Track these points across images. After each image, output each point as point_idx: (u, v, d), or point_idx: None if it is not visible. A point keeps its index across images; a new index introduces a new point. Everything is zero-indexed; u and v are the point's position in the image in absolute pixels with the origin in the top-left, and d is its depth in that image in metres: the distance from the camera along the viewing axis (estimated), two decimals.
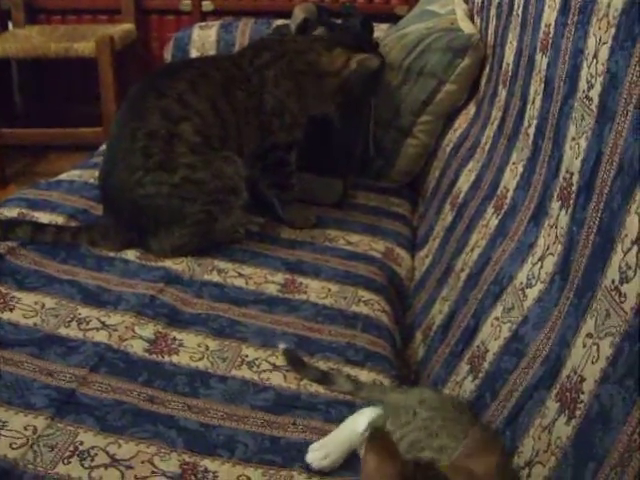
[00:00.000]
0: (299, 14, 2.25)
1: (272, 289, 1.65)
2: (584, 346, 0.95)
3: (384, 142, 2.29)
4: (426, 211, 2.08)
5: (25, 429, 1.19)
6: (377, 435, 0.81)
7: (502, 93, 1.74)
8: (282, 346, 1.41)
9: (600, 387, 0.88)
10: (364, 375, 1.40)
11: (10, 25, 4.21)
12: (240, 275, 1.69)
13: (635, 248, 0.87)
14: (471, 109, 2.10)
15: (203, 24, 3.15)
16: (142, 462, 1.16)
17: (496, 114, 1.76)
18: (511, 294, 1.26)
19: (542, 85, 1.38)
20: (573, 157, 1.14)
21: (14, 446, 1.16)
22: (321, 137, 2.03)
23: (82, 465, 1.14)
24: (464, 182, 1.81)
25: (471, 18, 2.39)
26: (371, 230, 1.99)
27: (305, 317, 1.56)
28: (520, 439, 1.03)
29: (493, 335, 1.26)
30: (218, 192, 1.75)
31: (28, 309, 1.49)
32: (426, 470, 0.82)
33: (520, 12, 1.65)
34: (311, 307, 1.60)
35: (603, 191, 0.99)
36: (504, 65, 1.76)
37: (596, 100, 1.07)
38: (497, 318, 1.27)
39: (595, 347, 0.91)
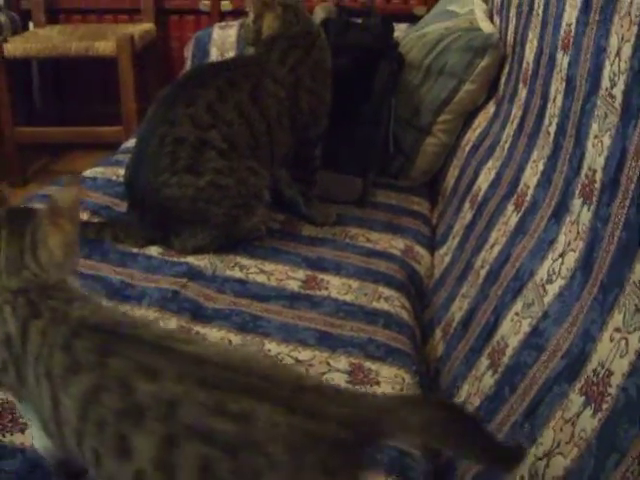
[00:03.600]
0: (319, 13, 2.26)
1: (293, 285, 1.67)
2: (611, 340, 0.95)
3: (404, 141, 2.30)
4: (445, 209, 2.09)
5: None
6: None
7: (522, 92, 1.75)
8: None
9: (628, 380, 0.89)
10: (385, 370, 1.41)
11: (31, 25, 4.25)
12: (262, 271, 1.71)
13: None
14: (490, 108, 2.11)
15: (223, 24, 3.17)
16: None
17: (516, 112, 1.77)
18: (531, 290, 1.27)
19: (563, 83, 1.39)
20: (596, 154, 1.15)
21: None
22: (341, 135, 2.05)
23: None
24: (484, 180, 1.82)
25: (490, 18, 2.40)
26: (391, 228, 2.00)
27: (326, 313, 1.57)
28: (539, 431, 1.04)
29: (513, 330, 1.27)
30: (242, 197, 1.78)
31: None
32: None
33: (541, 11, 1.66)
34: (332, 303, 1.61)
35: (629, 187, 1.00)
36: (524, 64, 1.77)
37: (619, 98, 1.08)
38: (517, 313, 1.28)
39: (624, 341, 0.92)
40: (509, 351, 1.25)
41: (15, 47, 3.68)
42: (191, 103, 1.76)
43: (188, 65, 2.97)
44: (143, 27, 3.96)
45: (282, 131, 1.86)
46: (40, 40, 3.82)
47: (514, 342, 1.24)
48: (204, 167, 1.73)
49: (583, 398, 0.97)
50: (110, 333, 0.94)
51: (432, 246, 2.02)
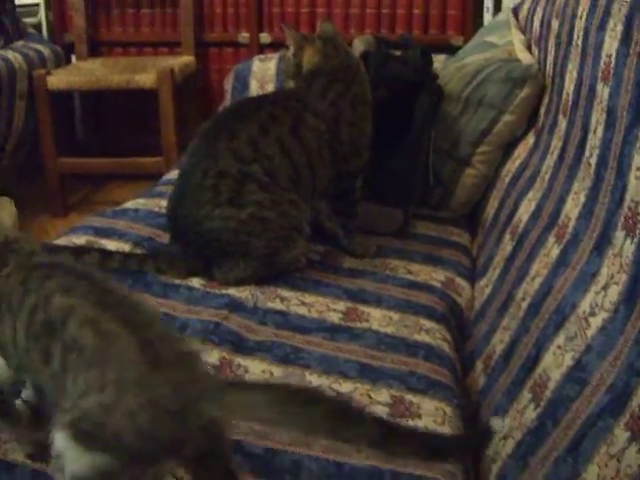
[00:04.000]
0: (358, 46, 2.28)
1: (334, 317, 1.67)
2: None
3: (443, 172, 2.31)
4: (485, 241, 2.08)
5: None
6: None
7: (562, 123, 1.74)
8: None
9: None
10: (426, 403, 1.41)
11: (73, 58, 4.32)
12: (303, 303, 1.72)
13: None
14: (530, 139, 2.11)
15: (262, 56, 3.20)
16: None
17: (556, 144, 1.76)
18: (574, 323, 1.26)
19: (604, 115, 1.39)
20: (638, 186, 1.14)
21: None
22: (381, 167, 2.06)
23: None
24: (524, 212, 1.81)
25: (529, 48, 2.41)
26: (431, 260, 2.01)
27: (367, 345, 1.57)
28: (583, 466, 1.03)
29: (555, 363, 1.26)
30: (283, 229, 1.80)
31: None
32: None
33: (580, 42, 1.66)
34: (373, 335, 1.61)
35: None
36: (564, 95, 1.77)
37: None
38: (559, 347, 1.28)
39: None
40: (552, 384, 1.24)
41: (59, 80, 3.75)
42: (233, 137, 1.79)
43: (228, 98, 3.00)
44: (183, 60, 4.01)
45: (323, 164, 1.87)
46: (83, 73, 3.88)
47: (557, 375, 1.24)
48: (246, 200, 1.75)
49: (628, 433, 0.96)
50: (56, 265, 1.17)
51: (472, 278, 2.01)
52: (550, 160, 1.78)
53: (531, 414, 1.26)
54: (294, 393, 0.99)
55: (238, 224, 1.75)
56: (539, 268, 1.54)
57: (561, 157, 1.69)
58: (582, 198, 1.45)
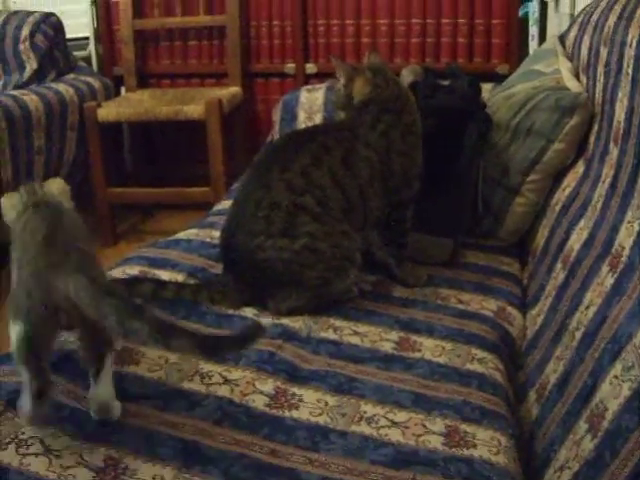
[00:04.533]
0: (407, 77, 2.30)
1: (387, 347, 1.68)
2: None
3: (493, 201, 2.31)
4: (536, 270, 2.07)
5: (153, 478, 1.24)
6: None
7: (614, 151, 1.74)
8: None
9: None
10: (481, 433, 1.40)
11: (123, 90, 4.40)
12: (355, 333, 1.72)
13: None
14: (580, 167, 2.10)
15: (310, 87, 3.23)
16: None
17: (607, 172, 1.76)
18: (631, 353, 1.25)
19: None
20: None
21: None
22: (431, 197, 2.06)
23: None
24: (576, 240, 1.80)
25: (576, 76, 2.40)
26: (482, 289, 2.01)
27: (421, 375, 1.58)
28: None
29: (612, 394, 1.25)
30: (335, 260, 1.81)
31: (152, 363, 1.56)
32: None
33: (630, 70, 1.66)
34: (426, 365, 1.62)
35: None
36: (615, 123, 1.77)
37: None
38: (616, 377, 1.27)
39: None
40: (609, 415, 1.23)
41: (108, 112, 3.82)
42: (286, 168, 1.81)
43: (276, 128, 3.03)
44: (230, 90, 4.06)
45: (375, 195, 1.89)
46: (132, 105, 3.95)
47: (614, 406, 1.23)
48: (298, 231, 1.77)
49: None
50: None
51: (523, 306, 2.01)
52: (602, 189, 1.78)
53: (588, 445, 1.26)
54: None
55: (291, 255, 1.77)
56: (593, 297, 1.53)
57: (613, 185, 1.68)
58: (636, 227, 1.45)
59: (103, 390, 1.36)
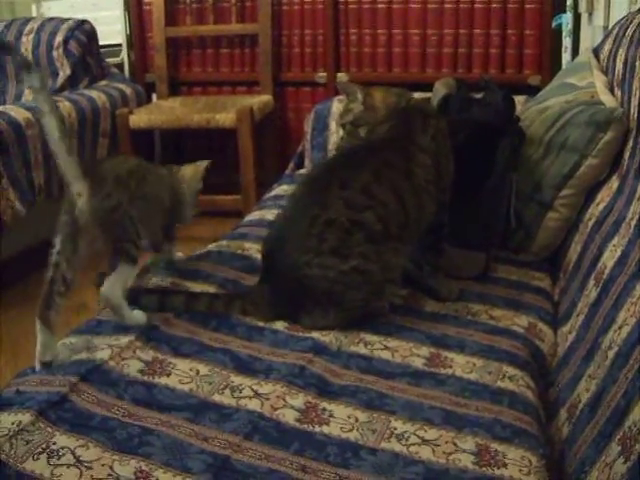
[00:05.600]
0: (440, 90, 2.29)
1: (418, 362, 1.67)
2: None
3: (525, 215, 2.30)
4: (568, 286, 2.06)
5: None
6: None
7: None
8: None
9: None
10: (512, 452, 1.39)
11: (154, 97, 4.42)
12: (386, 348, 1.72)
13: None
14: (614, 183, 2.09)
15: (342, 97, 3.23)
16: None
17: None
18: None
19: None
20: None
21: None
22: (464, 211, 2.06)
23: None
24: (609, 258, 1.79)
25: (611, 90, 2.39)
26: (513, 304, 1.99)
27: (451, 392, 1.57)
28: None
29: None
30: (382, 284, 1.81)
31: (184, 375, 1.56)
32: None
33: None
34: (457, 382, 1.61)
35: None
36: None
37: None
38: None
39: None
40: None
41: (140, 118, 3.85)
42: (346, 186, 1.80)
43: (308, 138, 3.03)
44: (261, 99, 4.07)
45: (430, 199, 1.89)
46: (163, 112, 3.97)
47: None
48: (351, 251, 1.75)
49: None
50: None
51: (554, 323, 1.99)
52: (636, 205, 1.76)
53: (621, 467, 1.24)
54: None
55: (337, 275, 1.75)
56: (626, 316, 1.51)
57: None
58: None
59: (107, 286, 1.73)
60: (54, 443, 1.32)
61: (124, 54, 4.62)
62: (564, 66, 3.55)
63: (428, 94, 2.38)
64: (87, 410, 1.42)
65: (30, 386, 1.50)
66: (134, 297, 1.81)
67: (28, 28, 4.13)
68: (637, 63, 1.99)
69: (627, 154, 2.04)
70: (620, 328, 1.52)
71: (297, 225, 1.80)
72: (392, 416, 1.47)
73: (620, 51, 2.28)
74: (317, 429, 1.42)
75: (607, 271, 1.76)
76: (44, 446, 1.31)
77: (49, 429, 1.35)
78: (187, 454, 1.33)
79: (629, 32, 2.16)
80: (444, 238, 2.03)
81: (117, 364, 1.58)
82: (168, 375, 1.56)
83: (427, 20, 4.09)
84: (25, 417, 1.37)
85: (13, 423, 1.35)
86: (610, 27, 2.84)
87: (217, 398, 1.50)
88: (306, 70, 4.29)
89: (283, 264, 1.80)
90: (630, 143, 2.03)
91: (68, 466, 1.27)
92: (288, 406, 1.47)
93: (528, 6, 4.01)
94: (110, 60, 4.47)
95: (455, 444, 1.40)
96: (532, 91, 3.46)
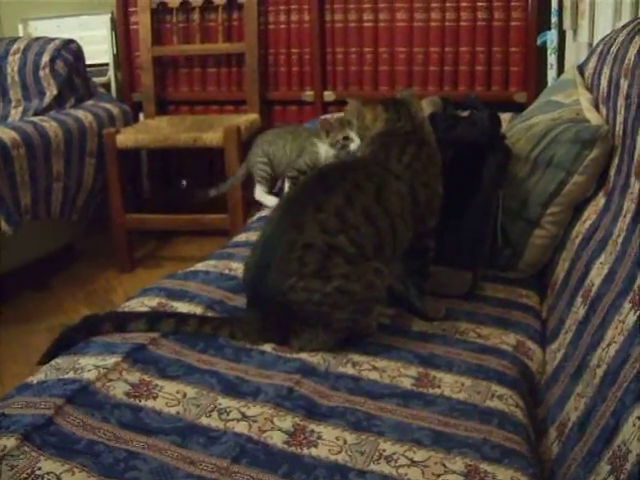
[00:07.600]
0: (426, 108, 2.29)
1: (406, 383, 1.66)
2: None
3: (512, 233, 2.30)
4: (556, 303, 2.06)
5: None
6: None
7: (635, 185, 1.73)
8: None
9: None
10: (501, 473, 1.38)
11: (141, 116, 4.42)
12: (374, 368, 1.71)
13: None
14: (600, 200, 2.09)
15: (329, 116, 3.24)
16: None
17: (629, 206, 1.74)
18: None
19: None
20: None
21: None
22: (450, 229, 2.06)
23: None
24: (596, 275, 1.79)
25: (596, 107, 2.40)
26: (501, 322, 1.99)
27: (440, 412, 1.56)
28: None
29: (636, 435, 1.23)
30: (365, 301, 1.80)
31: (170, 397, 1.55)
32: None
33: None
34: (445, 402, 1.60)
35: None
36: (636, 156, 1.75)
37: None
38: (639, 418, 1.25)
39: None
40: (632, 457, 1.21)
41: (127, 138, 3.84)
42: (320, 209, 1.80)
43: None
44: (248, 118, 4.08)
45: (404, 226, 1.88)
46: (150, 131, 3.97)
47: (637, 448, 1.21)
48: (332, 273, 1.75)
49: None
50: None
51: (543, 341, 1.99)
52: (622, 223, 1.76)
53: None
54: None
55: (322, 297, 1.74)
56: (614, 334, 1.51)
57: (635, 220, 1.67)
58: None
59: None
60: (39, 468, 1.30)
61: (111, 73, 4.62)
62: (550, 83, 3.56)
63: None
64: (72, 433, 1.41)
65: (15, 409, 1.48)
66: (121, 323, 1.80)
67: (14, 48, 4.13)
68: (621, 80, 2.00)
69: (613, 171, 2.04)
70: (608, 346, 1.51)
71: (277, 249, 1.80)
72: (381, 437, 1.46)
73: (605, 69, 2.29)
74: (305, 451, 1.41)
75: (594, 289, 1.76)
76: (29, 471, 1.29)
77: (34, 453, 1.34)
78: (174, 478, 1.32)
79: (613, 49, 2.17)
80: (430, 262, 2.03)
81: (103, 386, 1.56)
82: (155, 398, 1.54)
83: (413, 38, 4.10)
84: (10, 441, 1.35)
85: None
86: (595, 44, 2.85)
87: (204, 421, 1.48)
88: (293, 89, 4.29)
89: (268, 290, 1.79)
90: (615, 160, 2.04)
91: None
92: (276, 428, 1.46)
93: (513, 24, 4.02)
94: (97, 80, 4.46)
95: (444, 465, 1.39)
96: (518, 108, 3.47)
